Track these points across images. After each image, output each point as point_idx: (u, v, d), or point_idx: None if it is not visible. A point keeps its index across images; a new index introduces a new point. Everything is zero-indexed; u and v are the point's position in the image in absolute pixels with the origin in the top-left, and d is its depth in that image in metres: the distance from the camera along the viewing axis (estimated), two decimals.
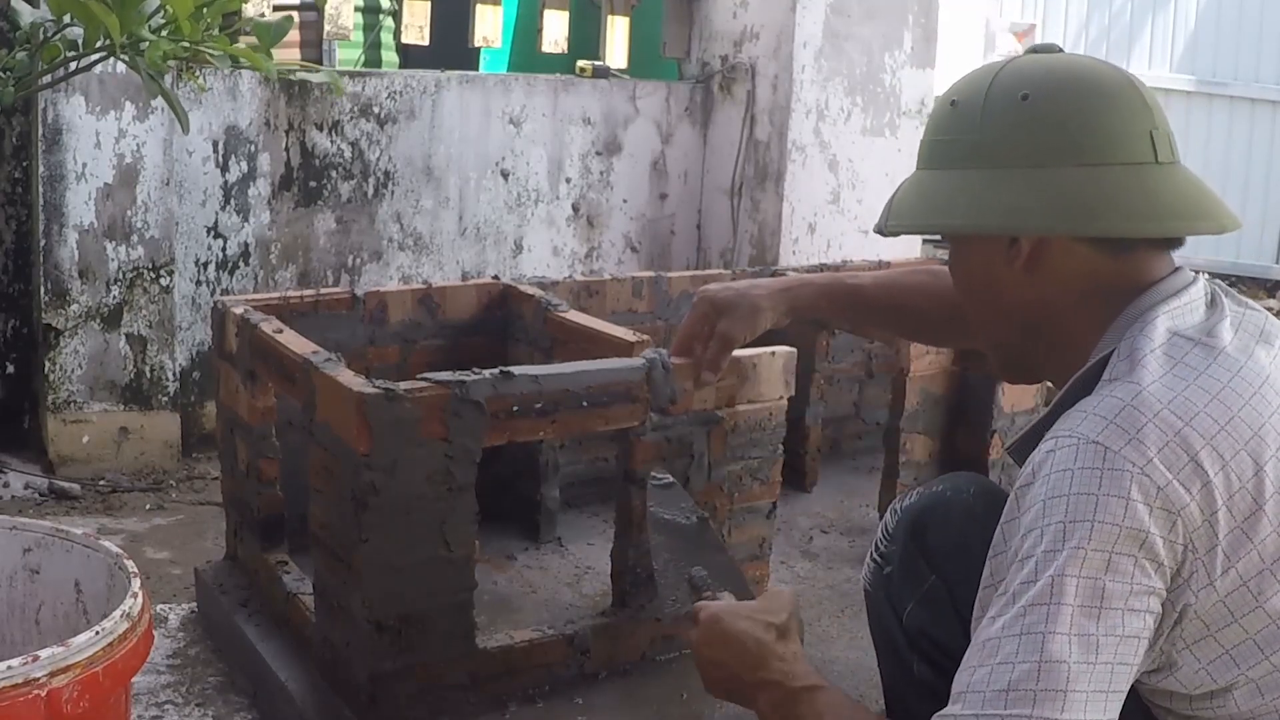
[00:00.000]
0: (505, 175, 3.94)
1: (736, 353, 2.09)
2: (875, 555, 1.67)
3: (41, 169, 3.14)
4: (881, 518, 1.73)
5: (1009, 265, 1.35)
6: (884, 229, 1.43)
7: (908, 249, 4.22)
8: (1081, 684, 1.12)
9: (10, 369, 3.42)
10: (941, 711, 1.17)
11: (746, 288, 1.95)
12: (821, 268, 3.29)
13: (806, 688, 1.36)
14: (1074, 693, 1.12)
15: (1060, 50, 1.40)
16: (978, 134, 1.34)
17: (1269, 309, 1.54)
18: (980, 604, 1.25)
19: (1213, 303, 1.33)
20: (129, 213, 3.23)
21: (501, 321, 2.69)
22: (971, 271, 1.42)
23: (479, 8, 3.97)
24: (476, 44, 4.05)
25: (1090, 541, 1.15)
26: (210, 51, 1.78)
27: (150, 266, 3.28)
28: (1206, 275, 1.39)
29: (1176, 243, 1.35)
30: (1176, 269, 1.34)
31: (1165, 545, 1.16)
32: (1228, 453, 1.19)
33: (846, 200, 4.16)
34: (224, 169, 3.47)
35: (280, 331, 2.18)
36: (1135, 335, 1.27)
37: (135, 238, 3.25)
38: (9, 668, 1.29)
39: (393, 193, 3.75)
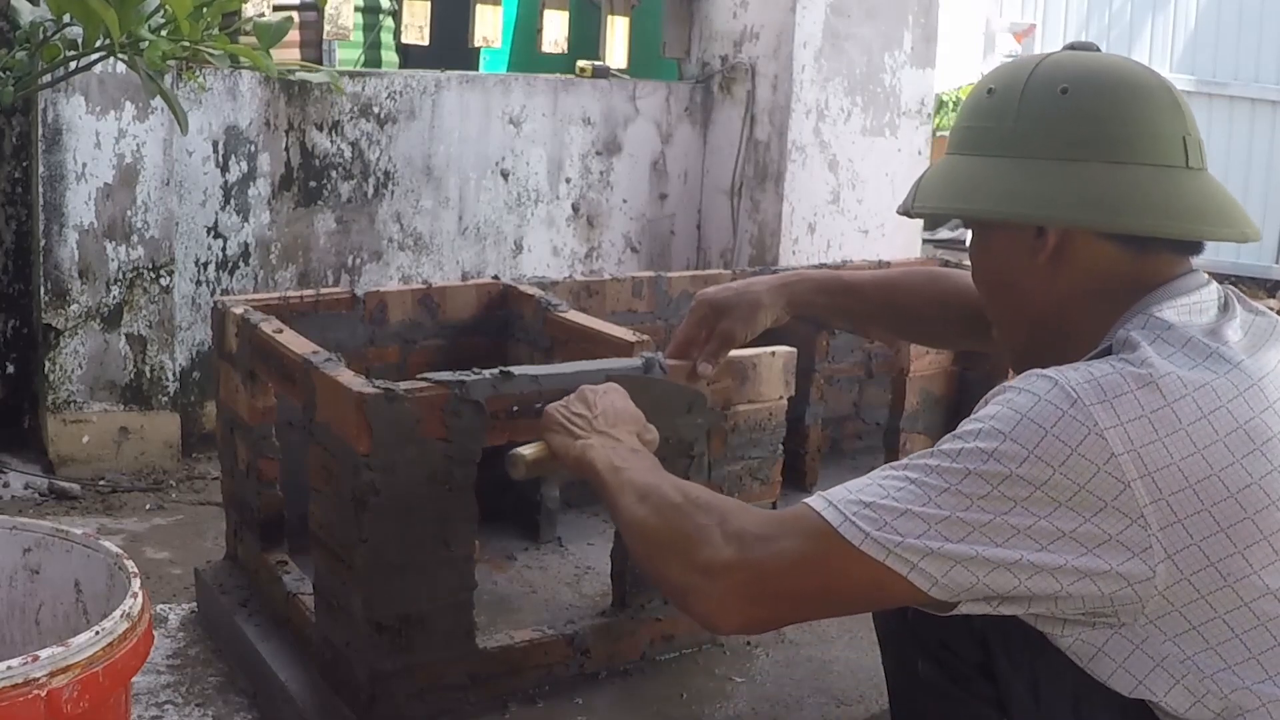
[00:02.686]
0: (505, 175, 3.94)
1: (737, 353, 2.09)
2: None
3: (41, 169, 3.14)
4: None
5: (1032, 257, 1.36)
6: (910, 209, 1.44)
7: (907, 249, 4.22)
8: (931, 544, 1.20)
9: (10, 369, 3.42)
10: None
11: (744, 286, 1.96)
12: (821, 268, 3.28)
13: (644, 454, 1.57)
14: (914, 544, 1.21)
15: (1098, 49, 1.41)
16: (1013, 123, 1.36)
17: (1270, 309, 1.55)
18: None
19: (1225, 306, 1.34)
20: (129, 213, 3.23)
21: (501, 321, 2.69)
22: (993, 260, 1.43)
23: (479, 8, 3.97)
24: (476, 44, 4.05)
25: (1020, 469, 1.19)
26: (210, 51, 1.78)
27: (150, 266, 3.28)
28: (1215, 280, 1.40)
29: (1196, 248, 1.37)
30: (1191, 271, 1.35)
31: (1105, 508, 1.18)
32: (1203, 441, 1.20)
33: (846, 200, 4.16)
34: (224, 169, 3.47)
35: (280, 331, 2.18)
36: (1138, 327, 1.29)
37: (135, 238, 3.25)
38: (9, 668, 1.29)
39: (393, 193, 3.75)
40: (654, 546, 1.38)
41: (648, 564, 1.41)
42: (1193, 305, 1.31)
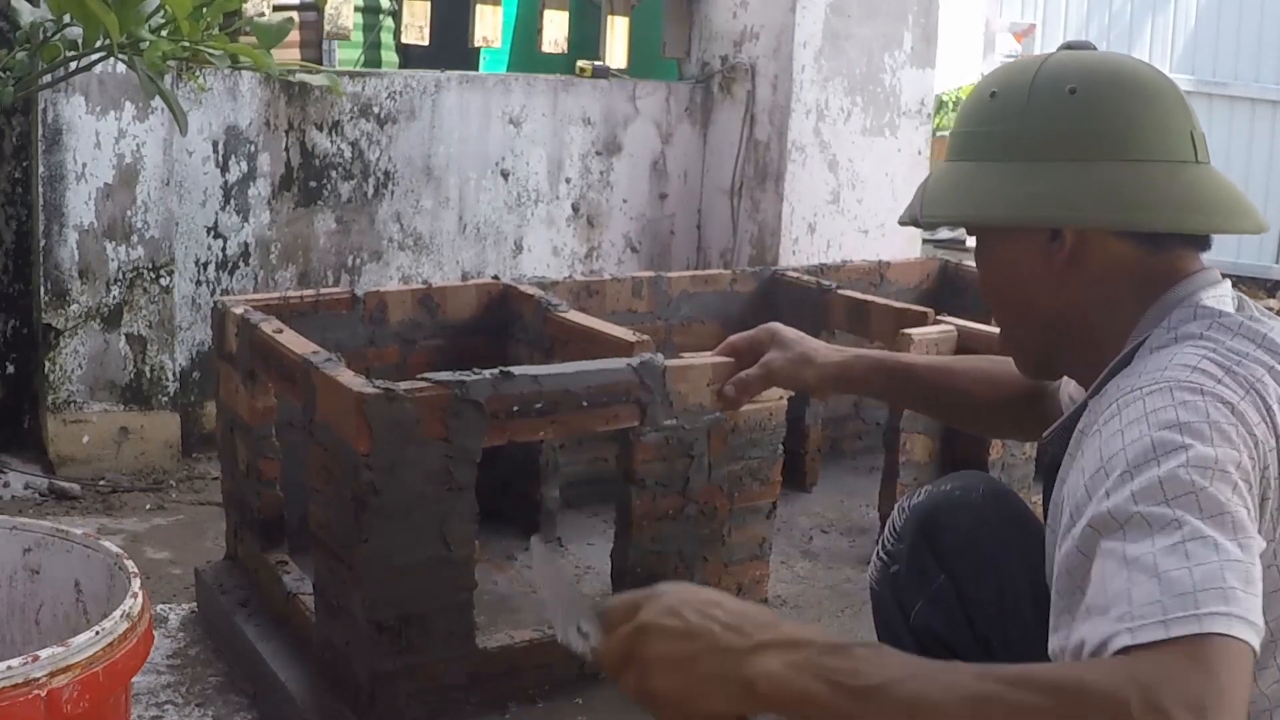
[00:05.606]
0: (505, 175, 3.94)
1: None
2: (882, 554, 1.66)
3: (41, 169, 3.14)
4: (888, 517, 1.72)
5: (1047, 260, 1.34)
6: (919, 219, 1.41)
7: (907, 249, 4.22)
8: (1253, 590, 1.01)
9: (10, 369, 3.42)
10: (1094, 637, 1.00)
11: (811, 340, 1.89)
12: (821, 268, 3.29)
13: (841, 643, 1.04)
14: (1250, 591, 1.01)
15: (1095, 48, 1.40)
16: (1021, 126, 1.34)
17: (1269, 309, 1.54)
18: (1064, 551, 1.12)
19: (1241, 307, 1.33)
20: (129, 213, 3.23)
21: (501, 321, 2.69)
22: (1004, 266, 1.41)
23: (479, 8, 3.97)
24: (476, 44, 4.05)
25: (1218, 460, 1.08)
26: (210, 51, 1.78)
27: (150, 266, 3.28)
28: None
29: (1207, 243, 1.36)
30: (1206, 268, 1.35)
31: (1254, 480, 1.13)
32: None
33: (846, 200, 4.16)
34: (224, 169, 3.47)
35: (280, 331, 2.18)
36: (1181, 316, 1.27)
37: (135, 238, 3.25)
38: (9, 668, 1.29)
39: (393, 193, 3.75)
40: None
41: None
42: (1220, 296, 1.30)
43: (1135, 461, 1.10)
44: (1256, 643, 0.98)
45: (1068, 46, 1.40)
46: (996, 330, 1.52)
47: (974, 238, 1.46)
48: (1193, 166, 1.31)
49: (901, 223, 1.46)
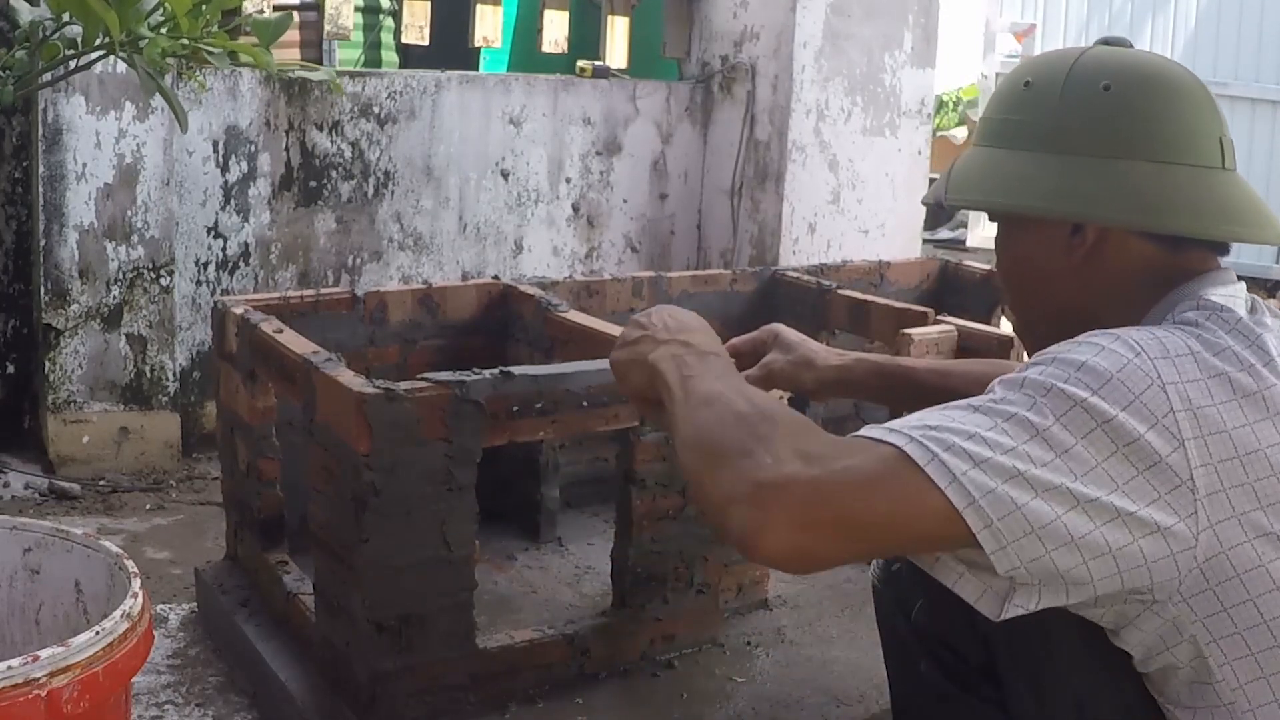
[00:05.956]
0: (505, 175, 3.94)
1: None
2: None
3: (41, 169, 3.14)
4: None
5: (1067, 254, 1.36)
6: (943, 200, 1.42)
7: (907, 249, 4.22)
8: (992, 478, 1.11)
9: (10, 369, 3.42)
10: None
11: (813, 343, 1.90)
12: (821, 268, 3.28)
13: (716, 352, 1.44)
14: (981, 469, 1.12)
15: (1131, 45, 1.41)
16: (1054, 118, 1.34)
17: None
18: None
19: (1253, 309, 1.33)
20: (129, 213, 3.23)
21: (501, 321, 2.69)
22: (1023, 256, 1.42)
23: (479, 8, 3.97)
24: (476, 44, 4.05)
25: (1085, 403, 1.15)
26: (209, 49, 1.77)
27: (150, 266, 3.28)
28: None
29: (1225, 249, 1.37)
30: (1222, 269, 1.36)
31: (1158, 464, 1.15)
32: (1254, 415, 1.19)
33: (846, 200, 4.16)
34: (224, 169, 3.47)
35: (280, 331, 2.18)
36: (1191, 308, 1.28)
37: (135, 238, 3.25)
38: (9, 668, 1.29)
39: (393, 193, 3.75)
40: (706, 454, 1.21)
41: (695, 473, 1.23)
42: (1230, 296, 1.31)
43: (1033, 362, 1.22)
44: (952, 496, 1.11)
45: (1104, 41, 1.41)
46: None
47: (995, 224, 1.47)
48: (1219, 173, 1.32)
49: (924, 203, 1.48)
